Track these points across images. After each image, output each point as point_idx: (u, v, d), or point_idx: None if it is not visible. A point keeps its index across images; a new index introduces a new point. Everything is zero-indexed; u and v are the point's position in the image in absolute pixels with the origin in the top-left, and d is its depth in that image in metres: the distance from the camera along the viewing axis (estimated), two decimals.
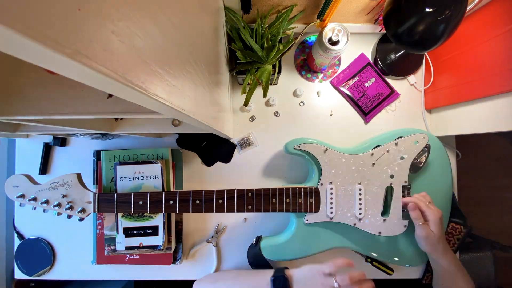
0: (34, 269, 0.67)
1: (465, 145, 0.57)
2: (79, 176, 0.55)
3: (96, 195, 0.54)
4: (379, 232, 0.55)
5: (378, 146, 0.57)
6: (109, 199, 0.54)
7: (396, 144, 0.56)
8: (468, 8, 0.45)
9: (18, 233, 0.68)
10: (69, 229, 0.66)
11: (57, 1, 0.11)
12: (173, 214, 0.64)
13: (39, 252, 0.67)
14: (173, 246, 0.63)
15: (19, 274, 0.67)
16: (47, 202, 0.53)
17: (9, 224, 0.70)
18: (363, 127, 0.67)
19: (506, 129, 0.46)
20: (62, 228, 0.67)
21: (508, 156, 1.36)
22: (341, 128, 0.67)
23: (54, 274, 0.68)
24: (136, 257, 0.64)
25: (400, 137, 0.57)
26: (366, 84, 0.66)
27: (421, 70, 0.66)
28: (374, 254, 0.59)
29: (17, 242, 0.67)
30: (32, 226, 0.68)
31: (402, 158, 0.55)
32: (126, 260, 0.64)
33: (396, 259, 0.59)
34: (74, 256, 0.67)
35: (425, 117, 0.66)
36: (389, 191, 0.56)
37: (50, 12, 0.11)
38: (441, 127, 0.63)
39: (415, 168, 0.57)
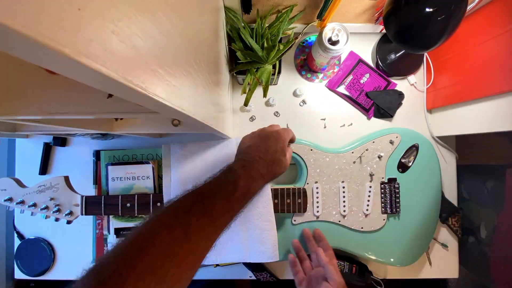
0: (34, 269, 0.67)
1: (465, 145, 0.58)
2: (66, 179, 0.55)
3: (84, 197, 0.54)
4: (361, 228, 0.57)
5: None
6: (96, 202, 0.54)
7: (373, 142, 0.58)
8: (468, 8, 0.45)
9: (18, 233, 0.68)
10: (69, 229, 0.66)
11: (57, 1, 0.11)
12: None
13: (39, 252, 0.67)
14: None
15: (19, 274, 0.67)
16: (34, 205, 0.53)
17: (9, 224, 0.70)
18: (367, 123, 0.67)
19: (506, 129, 0.46)
20: (62, 228, 0.66)
21: (508, 156, 1.36)
22: (343, 127, 0.67)
23: (54, 274, 0.68)
24: None
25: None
26: (361, 81, 0.66)
27: (422, 70, 0.66)
28: (371, 256, 0.59)
29: (17, 242, 0.67)
30: (32, 226, 0.68)
31: (379, 156, 0.58)
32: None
33: (392, 259, 0.59)
34: (74, 256, 0.67)
35: (427, 117, 0.65)
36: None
37: (50, 11, 0.11)
38: (441, 127, 0.63)
39: (404, 167, 0.58)
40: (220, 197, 0.33)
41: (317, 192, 0.57)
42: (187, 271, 0.27)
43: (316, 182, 0.57)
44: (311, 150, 0.57)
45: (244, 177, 0.36)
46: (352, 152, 0.58)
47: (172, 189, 0.57)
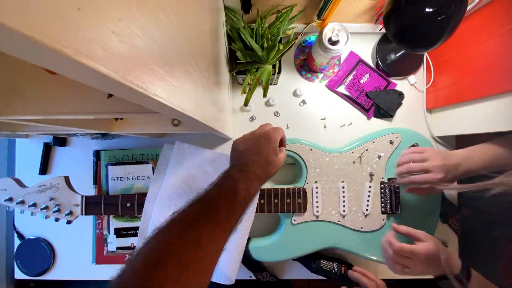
0: (34, 269, 0.67)
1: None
2: (66, 179, 0.55)
3: (84, 197, 0.54)
4: (361, 228, 0.58)
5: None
6: (96, 202, 0.55)
7: (373, 142, 0.58)
8: (468, 8, 0.45)
9: (18, 233, 0.68)
10: (69, 229, 0.66)
11: (57, 1, 0.11)
12: None
13: (39, 252, 0.67)
14: None
15: (19, 274, 0.67)
16: (34, 205, 0.53)
17: (9, 224, 0.70)
18: (367, 123, 0.67)
19: (506, 129, 0.46)
20: (62, 228, 0.66)
21: None
22: (343, 127, 0.67)
23: (54, 274, 0.68)
24: None
25: None
26: (361, 81, 0.66)
27: (422, 70, 0.66)
28: (371, 256, 0.59)
29: (17, 242, 0.67)
30: (32, 226, 0.68)
31: (379, 156, 0.58)
32: (125, 260, 0.64)
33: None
34: (74, 256, 0.67)
35: (427, 117, 0.65)
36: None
37: (50, 12, 0.11)
38: (441, 127, 0.63)
39: None
40: (223, 203, 0.34)
41: (317, 192, 0.57)
42: (204, 275, 0.28)
43: (316, 182, 0.57)
44: (311, 150, 0.57)
45: (242, 181, 0.37)
46: (352, 152, 0.58)
47: (163, 191, 0.57)
